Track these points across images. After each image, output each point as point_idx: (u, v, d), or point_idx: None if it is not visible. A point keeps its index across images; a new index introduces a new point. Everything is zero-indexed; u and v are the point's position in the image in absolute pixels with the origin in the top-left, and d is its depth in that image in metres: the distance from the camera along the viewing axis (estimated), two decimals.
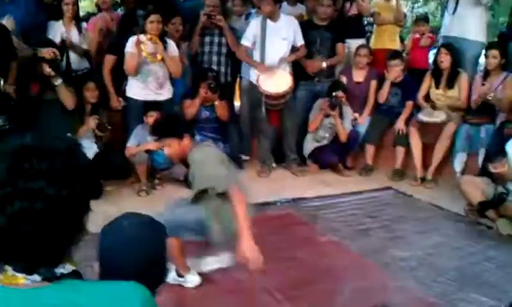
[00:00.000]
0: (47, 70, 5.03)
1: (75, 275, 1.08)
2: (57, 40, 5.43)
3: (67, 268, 1.07)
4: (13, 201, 0.99)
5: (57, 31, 5.57)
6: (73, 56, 5.60)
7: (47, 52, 5.04)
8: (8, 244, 1.02)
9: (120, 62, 5.58)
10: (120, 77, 5.72)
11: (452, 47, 5.93)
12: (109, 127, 5.42)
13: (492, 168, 4.59)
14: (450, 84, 5.92)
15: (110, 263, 1.60)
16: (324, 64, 6.29)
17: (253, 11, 6.80)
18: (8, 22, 4.99)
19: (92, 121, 5.29)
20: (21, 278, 1.03)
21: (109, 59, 5.76)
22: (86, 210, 1.11)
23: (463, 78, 5.90)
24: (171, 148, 3.29)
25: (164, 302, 2.75)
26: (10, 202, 0.99)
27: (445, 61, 5.87)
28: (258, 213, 3.69)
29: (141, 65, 5.44)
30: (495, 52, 5.60)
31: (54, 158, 1.04)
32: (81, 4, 6.12)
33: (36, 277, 1.03)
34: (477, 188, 4.83)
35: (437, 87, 6.00)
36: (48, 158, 1.03)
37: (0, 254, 1.04)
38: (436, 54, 6.05)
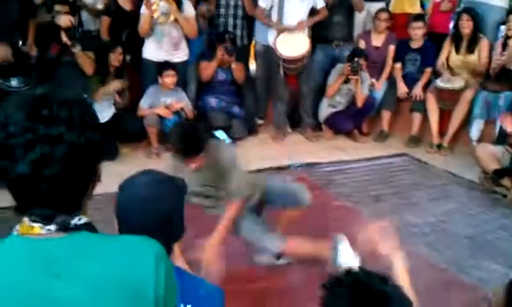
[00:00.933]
0: (64, 38, 5.05)
1: (89, 227, 1.10)
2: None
3: (82, 219, 1.09)
4: (35, 146, 1.01)
5: None
6: (86, 16, 5.58)
7: (64, 21, 5.04)
8: (28, 191, 1.04)
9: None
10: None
11: (475, 12, 5.80)
12: (127, 94, 5.42)
13: (502, 122, 4.57)
14: (470, 49, 5.81)
15: (127, 218, 1.64)
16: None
17: None
18: None
19: (115, 85, 5.30)
20: (37, 228, 1.05)
21: (105, 20, 5.68)
22: (101, 159, 1.14)
23: (484, 43, 5.78)
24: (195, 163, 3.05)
25: None
26: (32, 148, 1.01)
27: (467, 26, 5.74)
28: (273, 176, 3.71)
29: (154, 26, 5.41)
30: None
31: (71, 106, 1.06)
32: None
33: (52, 227, 1.05)
34: (493, 157, 4.80)
35: (457, 52, 5.90)
36: (67, 106, 1.06)
37: (21, 203, 1.07)
38: (458, 19, 5.92)
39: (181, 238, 1.74)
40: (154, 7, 5.33)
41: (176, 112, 5.41)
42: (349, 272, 1.40)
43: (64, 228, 1.06)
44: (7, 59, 4.60)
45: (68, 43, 5.07)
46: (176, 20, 5.44)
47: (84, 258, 1.04)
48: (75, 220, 1.07)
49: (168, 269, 1.10)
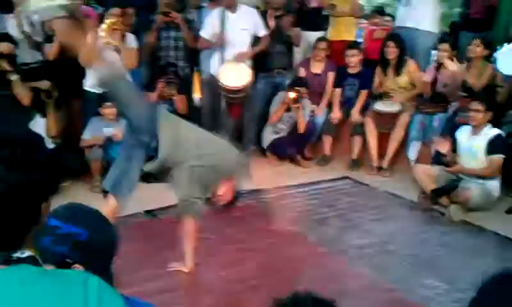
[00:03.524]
0: (4, 64, 4.91)
1: (32, 260, 1.10)
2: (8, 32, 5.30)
3: (25, 253, 1.09)
4: None
5: (8, 23, 5.43)
6: (23, 49, 5.46)
7: (4, 47, 4.92)
8: None
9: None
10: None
11: (398, 38, 6.05)
12: (55, 93, 5.31)
13: (436, 146, 4.78)
14: (397, 73, 6.04)
15: None
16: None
17: (205, 4, 6.77)
18: None
19: (44, 84, 5.21)
20: None
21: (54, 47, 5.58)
22: (44, 198, 1.13)
23: (411, 65, 6.04)
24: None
25: None
26: None
27: (392, 52, 5.99)
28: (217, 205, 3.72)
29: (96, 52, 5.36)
30: (445, 46, 5.73)
31: (13, 145, 1.06)
32: None
33: None
34: (430, 176, 5.01)
35: (385, 75, 6.11)
36: (9, 146, 1.05)
37: None
38: (383, 46, 6.15)
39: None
40: (104, 31, 5.30)
41: (118, 141, 5.33)
42: (295, 300, 1.36)
43: (6, 260, 1.06)
44: None
45: (8, 69, 4.92)
46: (118, 50, 5.42)
47: (21, 290, 1.03)
48: (17, 254, 1.07)
49: (104, 302, 1.09)
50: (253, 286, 3.51)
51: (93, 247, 1.53)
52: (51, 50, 5.47)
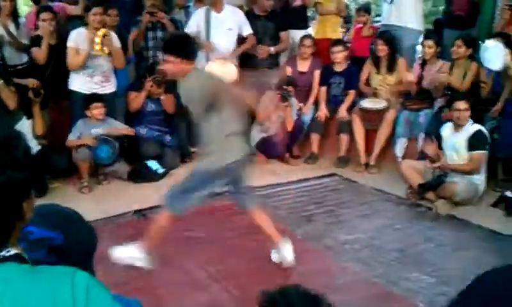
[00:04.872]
0: None
1: (18, 258, 1.11)
2: None
3: (11, 251, 1.10)
4: None
5: None
6: (9, 51, 5.46)
7: None
8: None
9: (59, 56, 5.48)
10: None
11: (389, 36, 6.10)
12: (42, 91, 5.29)
13: (422, 147, 4.85)
14: (390, 70, 6.10)
15: None
16: (272, 49, 6.36)
17: (191, 3, 6.79)
18: None
19: (30, 81, 5.22)
20: None
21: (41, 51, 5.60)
22: (26, 197, 1.14)
23: (401, 63, 6.10)
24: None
25: None
26: None
27: (383, 50, 6.04)
28: (205, 203, 3.74)
29: (87, 59, 5.39)
30: (430, 43, 5.80)
31: None
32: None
33: None
34: (417, 172, 5.06)
35: (378, 73, 6.17)
36: None
37: None
38: (374, 44, 6.21)
39: None
40: (97, 40, 5.32)
41: (106, 141, 5.34)
42: (283, 292, 1.37)
43: None
44: None
45: None
46: (109, 53, 5.44)
47: (9, 288, 1.05)
48: (3, 252, 1.09)
49: (92, 298, 1.10)
50: (239, 284, 3.54)
51: (69, 249, 1.48)
52: (40, 54, 5.47)
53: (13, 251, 1.10)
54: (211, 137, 3.49)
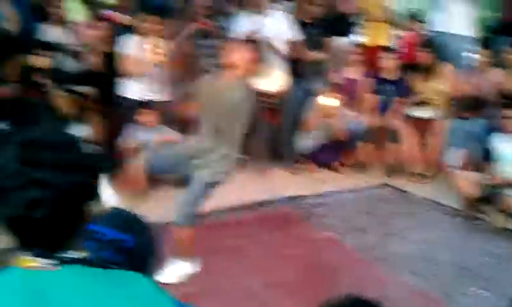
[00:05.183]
0: (39, 77, 5.03)
1: (84, 261, 1.13)
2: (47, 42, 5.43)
3: (77, 254, 1.12)
4: (24, 190, 1.05)
5: (47, 33, 5.57)
6: (63, 58, 5.58)
7: (41, 61, 5.04)
8: (21, 231, 1.09)
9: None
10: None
11: (433, 43, 5.99)
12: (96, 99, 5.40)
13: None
14: (435, 77, 5.99)
15: None
16: (317, 54, 6.32)
17: (239, 10, 6.80)
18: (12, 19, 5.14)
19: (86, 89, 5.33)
20: (33, 261, 1.09)
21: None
22: (90, 198, 1.16)
23: (448, 71, 5.97)
24: None
25: None
26: (22, 191, 1.05)
27: (427, 58, 5.94)
28: (256, 212, 3.74)
29: (142, 66, 5.48)
30: (483, 51, 5.65)
31: (60, 150, 1.10)
32: (69, 6, 6.09)
33: (47, 261, 1.09)
34: (471, 183, 4.91)
35: (425, 81, 6.06)
36: (55, 150, 1.09)
37: (17, 241, 1.10)
38: (419, 51, 6.10)
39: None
40: (150, 48, 5.42)
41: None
42: (347, 301, 1.36)
43: (60, 262, 1.09)
44: None
45: (45, 82, 5.03)
46: (163, 61, 5.52)
47: (74, 290, 1.07)
48: (70, 254, 1.11)
49: (158, 303, 1.13)
50: (291, 291, 3.51)
51: (137, 252, 1.57)
52: (95, 60, 5.60)
53: (79, 254, 1.13)
54: (219, 148, 3.60)
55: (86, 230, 1.20)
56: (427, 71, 6.00)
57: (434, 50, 5.92)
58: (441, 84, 5.99)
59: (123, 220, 1.63)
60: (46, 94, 5.07)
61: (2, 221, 1.09)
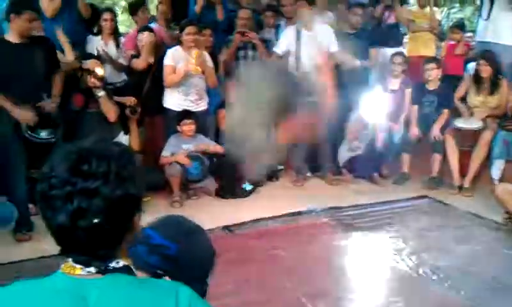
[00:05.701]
0: (92, 80, 5.08)
1: (127, 269, 1.16)
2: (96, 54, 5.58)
3: (120, 263, 1.15)
4: (72, 199, 1.08)
5: (96, 45, 5.73)
6: (109, 70, 5.72)
7: (92, 63, 5.18)
8: (67, 239, 1.12)
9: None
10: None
11: (491, 55, 5.84)
12: (139, 109, 5.47)
13: None
14: (491, 92, 5.86)
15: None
16: (358, 63, 6.29)
17: (282, 22, 6.84)
18: (60, 35, 5.32)
19: (129, 100, 5.42)
20: (78, 268, 1.12)
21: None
22: (137, 209, 1.19)
23: (504, 85, 5.83)
24: None
25: None
26: (70, 200, 1.08)
27: (485, 70, 5.80)
28: (294, 222, 3.73)
29: (183, 77, 5.57)
30: None
31: (110, 160, 1.12)
32: (119, 19, 6.24)
33: (92, 269, 1.12)
34: None
35: (478, 93, 5.93)
36: (105, 161, 1.12)
37: (62, 248, 1.15)
38: (477, 64, 5.97)
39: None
40: (192, 59, 5.55)
41: (196, 157, 5.47)
42: None
43: (103, 270, 1.12)
44: (30, 120, 4.58)
45: (97, 84, 5.08)
46: (203, 72, 5.61)
47: (118, 298, 1.10)
48: (113, 264, 1.14)
49: None
50: (329, 304, 3.49)
51: (182, 261, 1.53)
52: (140, 64, 5.75)
53: (122, 263, 1.15)
54: None
55: (139, 235, 1.24)
56: (485, 84, 5.88)
57: (493, 63, 5.79)
58: (493, 98, 5.87)
59: (174, 227, 1.62)
60: (98, 104, 5.18)
61: (49, 229, 1.13)
